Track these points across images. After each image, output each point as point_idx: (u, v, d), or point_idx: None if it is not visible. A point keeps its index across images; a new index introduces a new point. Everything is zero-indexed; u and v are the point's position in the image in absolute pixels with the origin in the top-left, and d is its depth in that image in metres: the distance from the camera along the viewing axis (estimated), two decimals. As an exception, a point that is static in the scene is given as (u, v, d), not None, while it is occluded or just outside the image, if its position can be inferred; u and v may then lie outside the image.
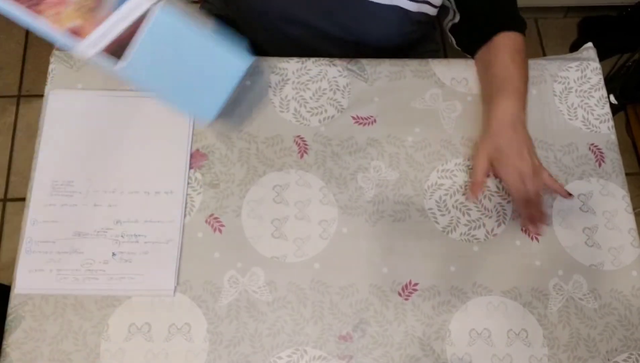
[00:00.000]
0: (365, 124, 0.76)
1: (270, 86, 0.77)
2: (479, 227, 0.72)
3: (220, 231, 0.70)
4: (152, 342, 0.65)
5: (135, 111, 0.74)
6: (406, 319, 0.67)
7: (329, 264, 0.69)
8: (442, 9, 0.80)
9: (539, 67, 0.81)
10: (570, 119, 0.78)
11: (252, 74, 0.77)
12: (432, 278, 0.69)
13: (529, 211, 0.69)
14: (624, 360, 0.67)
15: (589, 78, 0.80)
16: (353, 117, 0.76)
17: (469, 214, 0.72)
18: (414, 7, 0.75)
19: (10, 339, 0.64)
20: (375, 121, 0.77)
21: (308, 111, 0.76)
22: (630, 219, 0.73)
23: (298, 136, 0.75)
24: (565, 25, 1.70)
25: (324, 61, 0.79)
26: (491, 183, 0.74)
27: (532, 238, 0.72)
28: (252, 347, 0.65)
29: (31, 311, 0.65)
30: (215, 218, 0.70)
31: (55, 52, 0.77)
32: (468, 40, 0.79)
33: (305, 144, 0.75)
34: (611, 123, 0.78)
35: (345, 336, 0.66)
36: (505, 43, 0.73)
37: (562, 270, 0.70)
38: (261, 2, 0.79)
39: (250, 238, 0.70)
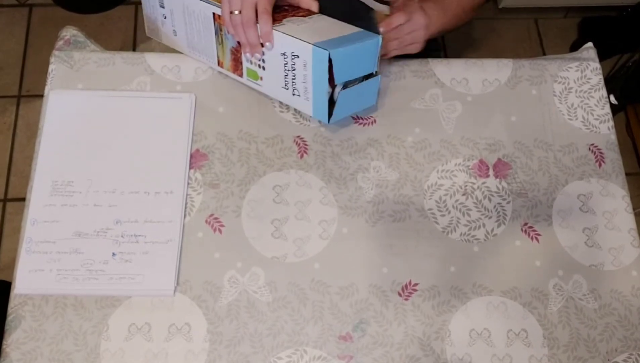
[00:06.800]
0: (365, 124, 0.76)
1: (270, 86, 0.77)
2: (479, 227, 0.72)
3: (220, 231, 0.70)
4: (152, 342, 0.65)
5: (135, 111, 0.75)
6: (406, 319, 0.67)
7: (329, 264, 0.69)
8: None
9: (539, 67, 0.81)
10: (570, 119, 0.78)
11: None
12: (432, 278, 0.69)
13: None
14: (624, 360, 0.67)
15: (589, 78, 0.80)
16: (353, 118, 0.76)
17: (469, 215, 0.72)
18: None
19: (10, 339, 0.64)
20: (375, 121, 0.77)
21: (308, 111, 0.76)
22: (630, 219, 0.73)
23: (298, 136, 0.75)
24: (565, 25, 1.70)
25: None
26: (491, 183, 0.74)
27: (532, 238, 0.72)
28: (252, 347, 0.65)
29: (31, 311, 0.65)
30: (215, 218, 0.70)
31: (55, 52, 0.77)
32: None
33: (305, 145, 0.75)
34: (611, 123, 0.78)
35: (345, 336, 0.66)
36: None
37: (562, 270, 0.70)
38: None
39: (250, 238, 0.70)
